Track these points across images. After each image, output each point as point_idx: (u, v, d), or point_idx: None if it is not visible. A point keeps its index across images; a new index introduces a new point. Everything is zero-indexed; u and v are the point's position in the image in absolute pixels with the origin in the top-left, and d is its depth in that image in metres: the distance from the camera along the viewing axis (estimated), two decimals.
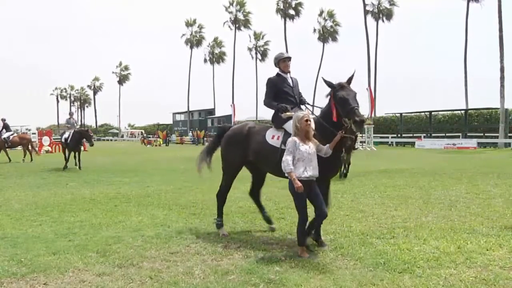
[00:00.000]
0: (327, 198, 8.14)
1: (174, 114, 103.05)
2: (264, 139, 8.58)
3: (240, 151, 8.96)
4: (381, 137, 57.58)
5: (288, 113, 8.36)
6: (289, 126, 8.18)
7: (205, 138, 70.40)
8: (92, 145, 25.76)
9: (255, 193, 9.66)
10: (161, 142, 70.58)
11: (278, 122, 8.56)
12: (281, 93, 8.75)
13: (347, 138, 7.59)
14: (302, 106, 8.91)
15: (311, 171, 7.33)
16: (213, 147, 9.83)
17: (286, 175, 7.39)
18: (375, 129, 54.94)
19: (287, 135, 8.15)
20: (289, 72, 8.97)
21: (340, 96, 7.60)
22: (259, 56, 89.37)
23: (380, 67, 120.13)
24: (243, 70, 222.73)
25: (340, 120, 7.63)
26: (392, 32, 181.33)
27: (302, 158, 7.25)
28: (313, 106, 8.94)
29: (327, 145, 7.61)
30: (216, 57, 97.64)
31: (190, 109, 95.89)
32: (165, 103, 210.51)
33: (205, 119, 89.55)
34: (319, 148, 7.55)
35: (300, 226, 7.50)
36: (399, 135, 57.21)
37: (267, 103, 8.82)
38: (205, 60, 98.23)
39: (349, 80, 7.90)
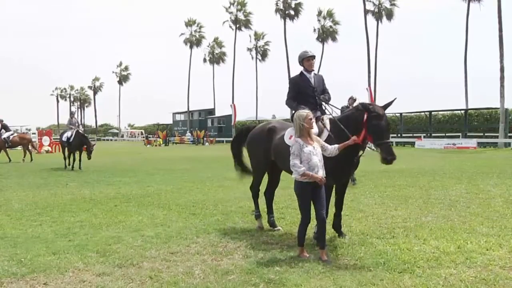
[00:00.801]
0: (341, 201, 8.65)
1: (174, 114, 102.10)
2: (282, 139, 8.68)
3: (263, 150, 9.16)
4: None
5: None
6: None
7: (205, 138, 69.48)
8: (89, 158, 24.89)
9: (270, 194, 9.76)
10: (161, 142, 69.58)
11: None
12: (302, 94, 8.76)
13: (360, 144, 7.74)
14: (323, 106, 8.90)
15: (321, 171, 7.25)
16: (237, 152, 10.14)
17: (298, 177, 7.27)
18: None
19: None
20: (313, 70, 8.97)
21: (377, 125, 7.53)
22: (259, 56, 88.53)
23: (380, 67, 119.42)
24: (243, 70, 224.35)
25: (365, 142, 7.76)
26: (392, 32, 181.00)
27: (308, 160, 7.14)
28: (332, 106, 8.80)
29: (334, 145, 7.54)
30: (216, 57, 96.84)
31: (190, 109, 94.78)
32: (165, 103, 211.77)
33: (205, 119, 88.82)
34: (324, 147, 7.46)
35: (301, 226, 7.44)
36: (399, 135, 55.52)
37: (288, 103, 8.94)
38: (205, 60, 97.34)
39: (386, 106, 7.78)
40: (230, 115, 68.29)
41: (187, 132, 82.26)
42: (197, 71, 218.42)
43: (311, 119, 7.27)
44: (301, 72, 8.93)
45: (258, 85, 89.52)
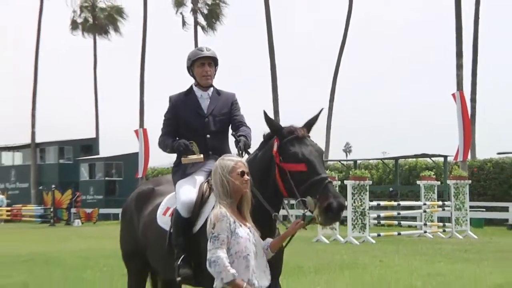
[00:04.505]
0: None
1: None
2: (154, 215, 5.31)
3: (128, 235, 5.78)
4: (488, 208, 27.18)
5: (191, 156, 5.09)
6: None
7: (73, 209, 34.55)
8: None
9: None
10: None
11: (175, 177, 5.32)
12: (186, 127, 5.38)
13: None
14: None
15: (264, 277, 4.19)
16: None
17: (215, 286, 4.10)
18: (475, 187, 27.86)
19: None
20: (210, 85, 5.43)
21: (295, 155, 4.34)
22: (201, 20, 51.27)
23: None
24: (165, 50, 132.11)
25: (291, 195, 4.45)
26: None
27: (244, 253, 4.06)
28: (243, 152, 4.98)
29: (268, 240, 4.37)
30: (101, 20, 51.29)
31: (38, 140, 45.91)
32: None
33: (75, 163, 44.34)
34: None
35: None
36: None
37: (160, 142, 5.51)
38: (75, 25, 51.39)
39: (310, 124, 4.64)
40: (135, 155, 34.30)
41: (1, 196, 40.29)
42: (54, 53, 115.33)
43: (244, 173, 4.19)
44: (190, 88, 5.49)
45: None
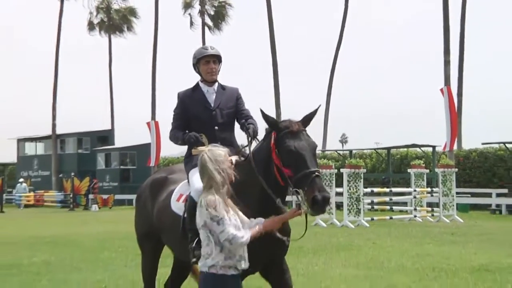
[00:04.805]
0: None
1: (21, 141, 48.12)
2: (168, 201, 5.19)
3: (144, 218, 5.63)
4: (473, 194, 27.33)
5: (201, 148, 4.66)
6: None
7: (90, 195, 33.59)
8: None
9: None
10: None
11: (187, 166, 5.15)
12: (195, 121, 5.30)
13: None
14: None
15: (246, 260, 4.13)
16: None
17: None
18: (461, 174, 27.72)
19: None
20: (215, 81, 5.35)
21: (291, 148, 4.26)
22: (208, 21, 50.12)
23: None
24: (176, 50, 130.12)
25: (287, 185, 4.36)
26: None
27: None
28: (252, 137, 4.90)
29: (253, 221, 4.21)
30: (116, 21, 50.82)
31: (58, 132, 45.00)
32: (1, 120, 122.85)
33: (92, 153, 42.87)
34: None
35: None
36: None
37: (171, 136, 5.43)
38: (92, 26, 51.09)
39: (307, 119, 4.55)
40: (147, 145, 32.91)
41: (22, 183, 40.11)
42: (73, 51, 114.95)
43: (232, 163, 4.23)
44: (196, 84, 5.40)
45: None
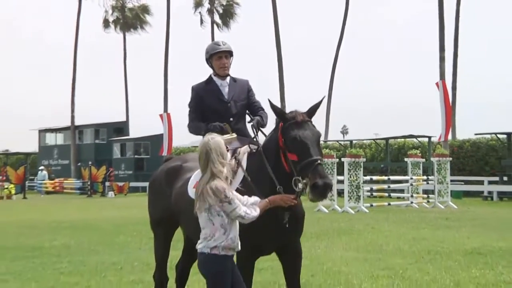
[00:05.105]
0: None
1: (43, 132, 48.08)
2: (186, 188, 5.01)
3: (160, 204, 5.44)
4: (466, 182, 27.36)
5: (226, 136, 4.72)
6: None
7: (107, 182, 33.96)
8: None
9: (183, 269, 5.67)
10: (13, 190, 31.92)
11: None
12: (209, 112, 5.28)
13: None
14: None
15: (239, 243, 4.18)
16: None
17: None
18: (455, 163, 27.08)
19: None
20: (227, 75, 5.33)
21: (295, 137, 4.25)
22: (217, 19, 48.31)
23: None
24: (187, 46, 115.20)
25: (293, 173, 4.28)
26: None
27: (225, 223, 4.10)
28: (257, 129, 5.02)
29: (249, 199, 4.21)
30: (130, 19, 49.85)
31: (77, 123, 44.76)
32: (22, 114, 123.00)
33: (108, 143, 42.55)
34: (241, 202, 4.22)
35: None
36: (505, 177, 25.20)
37: (192, 127, 5.43)
38: (107, 24, 50.79)
39: (312, 110, 4.49)
40: (160, 136, 31.86)
41: (42, 171, 39.76)
42: (90, 47, 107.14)
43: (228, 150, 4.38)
44: (210, 78, 5.38)
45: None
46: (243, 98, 5.40)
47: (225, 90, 5.36)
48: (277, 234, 4.48)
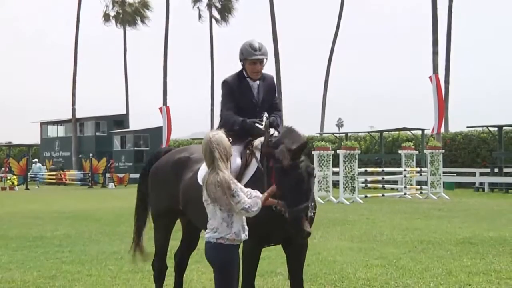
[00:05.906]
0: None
1: (44, 124, 47.79)
2: (196, 178, 4.98)
3: (166, 194, 5.41)
4: (458, 173, 27.20)
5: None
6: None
7: (107, 174, 33.91)
8: None
9: (181, 258, 5.63)
10: (15, 182, 31.93)
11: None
12: (239, 108, 5.17)
13: None
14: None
15: (246, 231, 4.23)
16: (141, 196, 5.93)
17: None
18: (448, 155, 27.42)
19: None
20: (259, 79, 5.23)
21: (281, 181, 4.20)
22: (215, 14, 48.52)
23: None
24: (186, 41, 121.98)
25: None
26: None
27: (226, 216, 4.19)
28: (265, 128, 4.83)
29: (252, 192, 4.20)
30: (129, 15, 49.89)
31: (78, 116, 44.52)
32: (23, 108, 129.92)
33: (109, 135, 42.54)
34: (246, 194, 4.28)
35: None
36: (496, 168, 25.35)
37: (226, 117, 5.16)
38: (107, 18, 50.66)
39: (298, 150, 4.18)
40: (159, 129, 32.63)
41: (37, 163, 39.78)
42: (90, 41, 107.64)
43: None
44: (241, 74, 5.21)
45: (215, 68, 48.66)
46: (269, 99, 5.36)
47: (256, 91, 5.28)
48: (284, 225, 4.41)
